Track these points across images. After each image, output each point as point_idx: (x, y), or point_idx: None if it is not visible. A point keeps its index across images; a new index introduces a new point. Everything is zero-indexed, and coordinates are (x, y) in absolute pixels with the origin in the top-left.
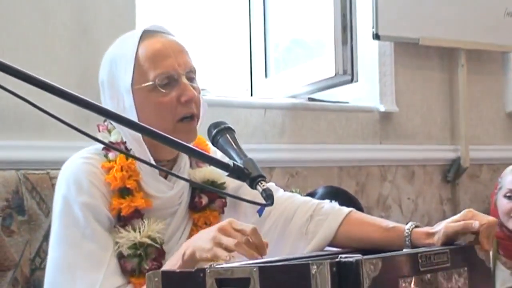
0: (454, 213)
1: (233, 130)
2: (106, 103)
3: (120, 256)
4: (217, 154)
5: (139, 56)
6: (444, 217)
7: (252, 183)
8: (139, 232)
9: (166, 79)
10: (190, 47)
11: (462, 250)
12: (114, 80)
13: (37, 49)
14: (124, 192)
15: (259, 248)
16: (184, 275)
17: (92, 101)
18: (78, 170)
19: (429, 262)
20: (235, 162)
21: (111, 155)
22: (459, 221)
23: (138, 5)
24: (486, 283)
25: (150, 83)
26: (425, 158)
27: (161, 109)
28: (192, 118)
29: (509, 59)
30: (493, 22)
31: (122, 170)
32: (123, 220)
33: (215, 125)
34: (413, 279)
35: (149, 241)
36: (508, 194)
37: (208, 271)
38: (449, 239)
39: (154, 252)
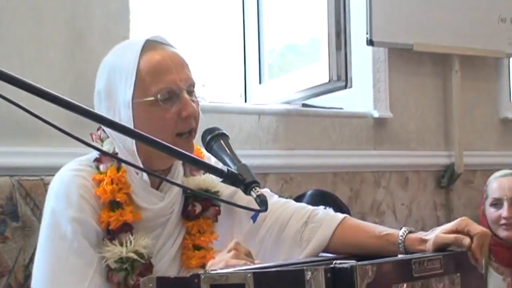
0: (448, 219)
1: (227, 136)
2: (101, 113)
3: (108, 269)
4: (211, 161)
5: (141, 69)
6: (438, 223)
7: (246, 189)
8: (126, 246)
9: (167, 94)
10: (187, 56)
11: (455, 256)
12: (112, 91)
13: (31, 56)
14: (113, 206)
15: (249, 255)
16: (179, 281)
17: (88, 108)
18: (68, 183)
19: (423, 268)
20: (229, 168)
21: (102, 167)
22: (452, 230)
23: (132, 12)
24: None
25: (152, 98)
26: (419, 164)
27: (161, 124)
28: (190, 133)
29: (502, 65)
30: (487, 28)
31: (112, 183)
32: (111, 234)
33: (210, 131)
34: (406, 285)
35: (135, 256)
36: (494, 203)
37: (203, 277)
38: (439, 249)
39: (140, 267)
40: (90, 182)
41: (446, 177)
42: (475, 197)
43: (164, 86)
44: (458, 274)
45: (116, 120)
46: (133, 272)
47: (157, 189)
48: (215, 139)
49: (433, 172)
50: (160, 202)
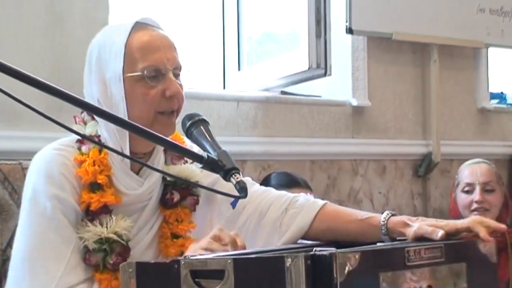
0: (425, 208)
1: (207, 122)
2: (92, 87)
3: (86, 250)
4: (194, 149)
5: (130, 45)
6: (415, 212)
7: (226, 175)
8: (106, 227)
9: (153, 72)
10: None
11: (460, 246)
12: (102, 65)
13: (10, 38)
14: (94, 187)
15: (233, 242)
16: (159, 267)
17: (67, 92)
18: (50, 161)
19: (419, 256)
20: (209, 154)
21: (84, 148)
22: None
23: None
24: (489, 279)
25: (138, 73)
26: (396, 152)
27: (145, 101)
28: (172, 112)
29: (481, 55)
30: (466, 18)
31: (94, 164)
32: (91, 215)
33: (189, 116)
34: (398, 274)
35: (115, 237)
36: (466, 189)
37: (183, 262)
38: (418, 239)
39: (119, 248)
40: (71, 162)
41: (423, 166)
42: None
43: (151, 63)
44: (464, 264)
45: (108, 93)
46: (112, 252)
47: (137, 173)
48: (195, 125)
49: (411, 161)
50: (139, 187)
